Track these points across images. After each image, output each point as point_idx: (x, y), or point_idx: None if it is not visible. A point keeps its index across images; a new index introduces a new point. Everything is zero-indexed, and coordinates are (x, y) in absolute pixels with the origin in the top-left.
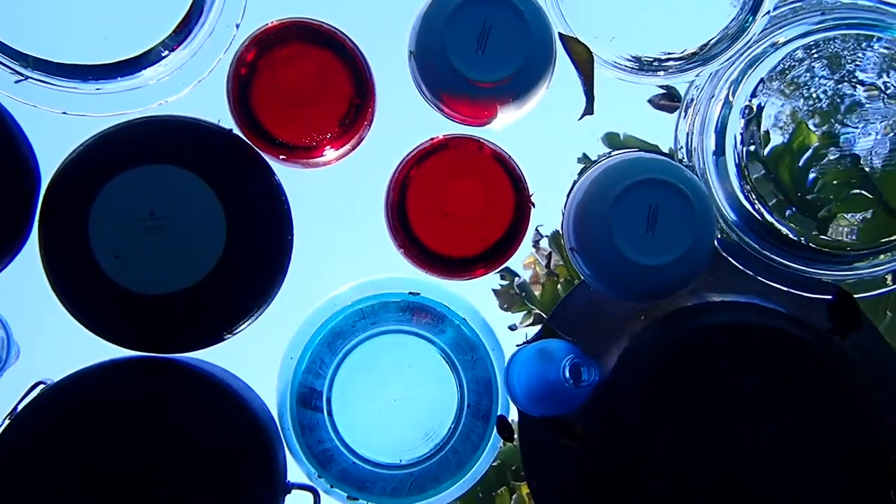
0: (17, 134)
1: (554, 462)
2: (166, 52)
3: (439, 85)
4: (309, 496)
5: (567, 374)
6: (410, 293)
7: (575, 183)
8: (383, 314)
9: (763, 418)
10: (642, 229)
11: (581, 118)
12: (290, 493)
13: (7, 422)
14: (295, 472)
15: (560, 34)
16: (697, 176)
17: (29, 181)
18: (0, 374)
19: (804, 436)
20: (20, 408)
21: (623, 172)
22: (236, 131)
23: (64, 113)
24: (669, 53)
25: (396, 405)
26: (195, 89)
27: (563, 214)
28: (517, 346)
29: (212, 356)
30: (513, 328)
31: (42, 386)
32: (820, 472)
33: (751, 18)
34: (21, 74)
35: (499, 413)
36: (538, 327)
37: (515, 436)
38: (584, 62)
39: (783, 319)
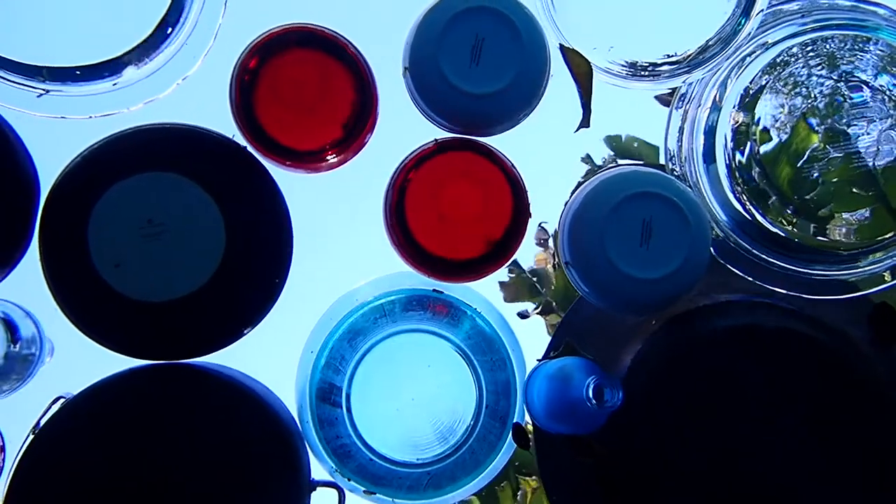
0: (17, 145)
1: (570, 468)
2: (170, 30)
3: (435, 98)
4: (333, 497)
5: (590, 395)
6: (434, 290)
7: (569, 197)
8: (403, 311)
9: (778, 419)
10: (636, 243)
11: (577, 130)
12: (315, 490)
13: (31, 437)
14: (314, 466)
15: (561, 46)
16: (689, 180)
17: (28, 192)
18: (34, 372)
19: (821, 436)
20: (43, 423)
21: (617, 186)
22: (250, 149)
23: (90, 117)
24: (668, 56)
25: (415, 404)
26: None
27: (559, 227)
28: (537, 360)
29: (221, 358)
30: (523, 315)
31: (62, 400)
32: (838, 473)
33: (744, 21)
34: (41, 89)
35: (515, 419)
36: (547, 316)
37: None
38: (582, 75)
39: (794, 318)
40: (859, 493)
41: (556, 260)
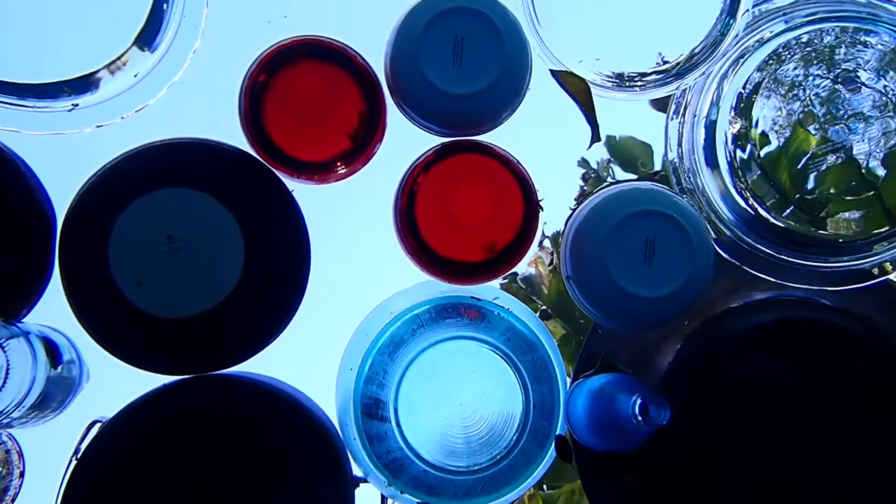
0: (28, 176)
1: (616, 484)
2: (165, 6)
3: (418, 101)
4: (375, 497)
5: (636, 412)
6: (472, 297)
7: (571, 214)
8: (439, 318)
9: (821, 415)
10: (639, 261)
11: (590, 147)
12: (358, 486)
13: (74, 463)
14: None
15: (551, 70)
16: (695, 188)
17: (44, 220)
18: (75, 396)
19: (863, 431)
20: (83, 447)
21: (619, 204)
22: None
23: (122, 118)
24: (663, 62)
25: (463, 410)
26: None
27: (561, 242)
28: (577, 378)
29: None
30: None
31: (99, 424)
32: (881, 470)
33: (731, 21)
34: (70, 104)
35: (560, 414)
36: (545, 321)
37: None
38: (580, 92)
39: (825, 311)
40: None
41: (550, 261)
